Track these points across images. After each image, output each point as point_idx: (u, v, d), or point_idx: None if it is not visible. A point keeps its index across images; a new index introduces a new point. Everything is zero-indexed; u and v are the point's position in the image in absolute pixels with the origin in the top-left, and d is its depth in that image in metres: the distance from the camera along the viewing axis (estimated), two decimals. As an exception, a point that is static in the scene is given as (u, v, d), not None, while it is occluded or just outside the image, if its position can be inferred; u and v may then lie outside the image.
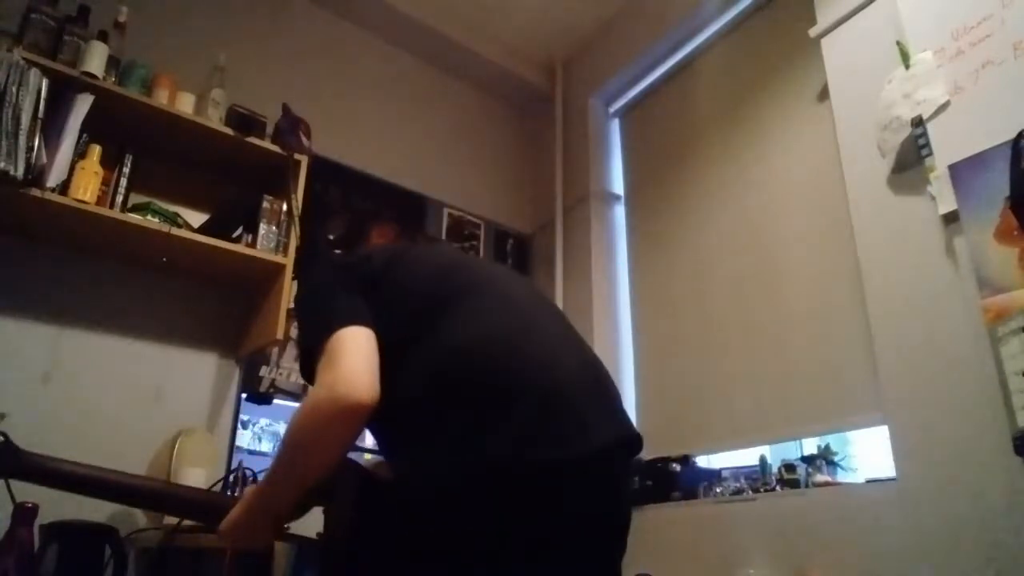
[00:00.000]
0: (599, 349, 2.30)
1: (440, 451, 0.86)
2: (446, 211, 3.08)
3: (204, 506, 1.11)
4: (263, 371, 2.38)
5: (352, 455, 1.07)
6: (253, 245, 2.16)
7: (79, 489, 1.11)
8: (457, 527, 0.84)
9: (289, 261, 2.19)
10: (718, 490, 2.20)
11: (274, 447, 2.16)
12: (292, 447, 0.93)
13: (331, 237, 1.36)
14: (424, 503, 0.86)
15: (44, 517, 1.57)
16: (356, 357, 0.91)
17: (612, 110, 3.29)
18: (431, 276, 1.05)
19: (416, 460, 0.90)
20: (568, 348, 1.01)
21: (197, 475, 1.73)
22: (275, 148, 2.27)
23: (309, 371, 0.97)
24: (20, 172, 1.71)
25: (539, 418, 0.87)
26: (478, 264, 1.19)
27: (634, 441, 1.00)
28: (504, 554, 0.84)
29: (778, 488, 2.03)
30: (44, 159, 1.80)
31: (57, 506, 1.64)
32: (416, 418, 0.91)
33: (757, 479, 2.12)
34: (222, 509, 1.05)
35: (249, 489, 1.05)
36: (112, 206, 1.95)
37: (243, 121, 2.22)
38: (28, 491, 1.62)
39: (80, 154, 1.89)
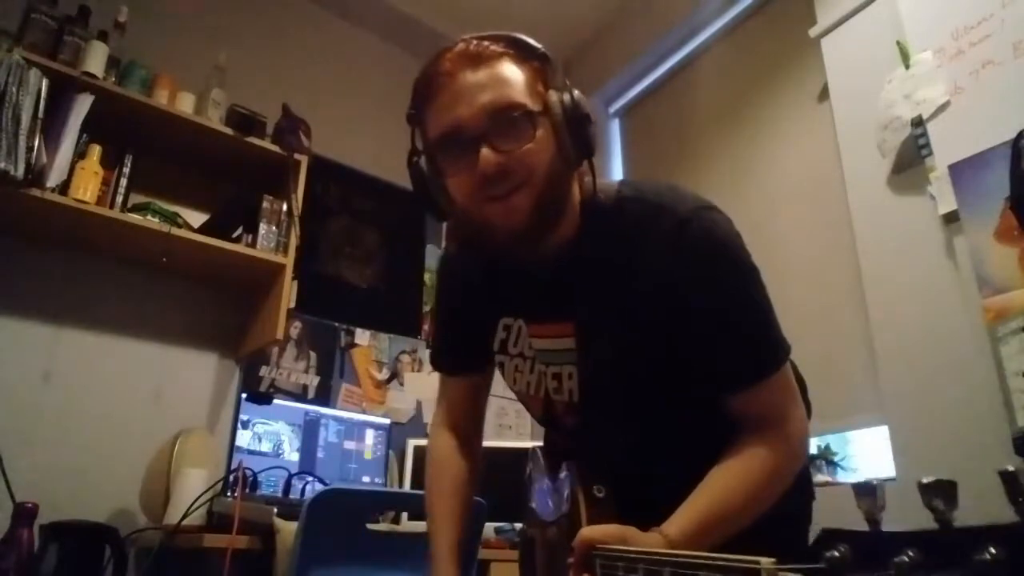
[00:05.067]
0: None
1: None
2: (446, 211, 3.07)
3: None
4: (263, 371, 2.38)
5: None
6: (253, 245, 2.16)
7: None
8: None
9: (289, 261, 2.19)
10: (718, 490, 2.20)
11: (275, 448, 2.16)
12: (774, 489, 0.78)
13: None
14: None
15: (44, 517, 1.57)
16: None
17: (612, 110, 3.29)
18: None
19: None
20: None
21: (197, 475, 1.73)
22: (275, 148, 2.27)
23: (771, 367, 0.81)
24: (20, 172, 1.71)
25: None
26: None
27: None
28: None
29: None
30: (44, 159, 1.80)
31: (57, 506, 1.64)
32: None
33: (757, 479, 2.12)
34: None
35: (639, 538, 0.70)
36: (112, 206, 1.95)
37: (243, 121, 2.22)
38: (28, 491, 1.62)
39: (80, 154, 1.89)
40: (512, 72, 0.80)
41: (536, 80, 0.82)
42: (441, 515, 1.00)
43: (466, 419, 1.09)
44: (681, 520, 0.72)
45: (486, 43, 0.82)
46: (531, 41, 0.85)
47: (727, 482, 0.76)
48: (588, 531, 0.68)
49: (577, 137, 0.80)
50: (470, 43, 0.82)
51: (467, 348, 1.03)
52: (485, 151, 0.76)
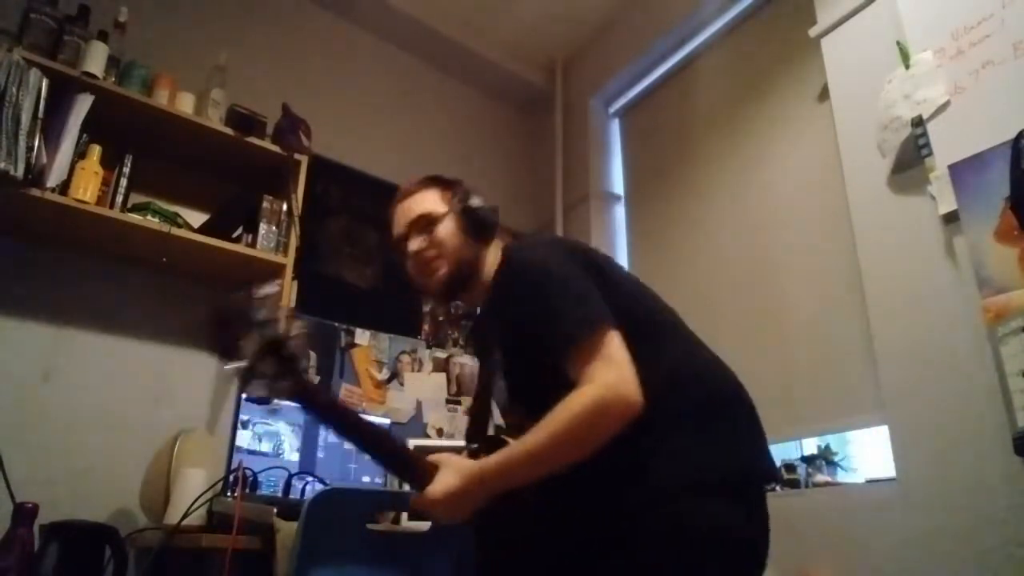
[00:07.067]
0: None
1: (703, 451, 0.98)
2: (446, 211, 3.08)
3: (405, 464, 1.06)
4: (263, 371, 2.38)
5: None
6: (253, 245, 2.16)
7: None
8: (718, 519, 0.95)
9: (289, 261, 2.19)
10: (718, 490, 2.20)
11: (275, 448, 2.16)
12: (565, 437, 0.93)
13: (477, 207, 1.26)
14: (688, 493, 0.95)
15: (44, 517, 1.57)
16: (629, 362, 0.95)
17: (612, 110, 3.29)
18: (645, 290, 1.17)
19: (674, 456, 0.96)
20: None
21: (197, 475, 1.73)
22: (275, 148, 2.27)
23: (563, 357, 0.97)
24: (20, 172, 1.71)
25: (761, 435, 1.07)
26: None
27: None
28: (746, 548, 0.97)
29: (778, 488, 2.03)
30: (44, 159, 1.80)
31: (57, 506, 1.64)
32: (664, 418, 0.96)
33: (757, 479, 2.12)
34: (419, 472, 1.02)
35: (464, 461, 1.02)
36: (112, 206, 1.95)
37: (243, 121, 2.21)
38: (28, 491, 1.62)
39: (80, 154, 1.89)
40: (424, 195, 1.26)
41: (444, 195, 1.26)
42: None
43: None
44: (498, 453, 0.99)
45: (411, 183, 1.29)
46: (441, 176, 1.30)
47: (535, 427, 0.97)
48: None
49: (472, 223, 1.22)
50: (403, 187, 1.30)
51: None
52: (410, 242, 1.23)
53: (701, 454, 0.97)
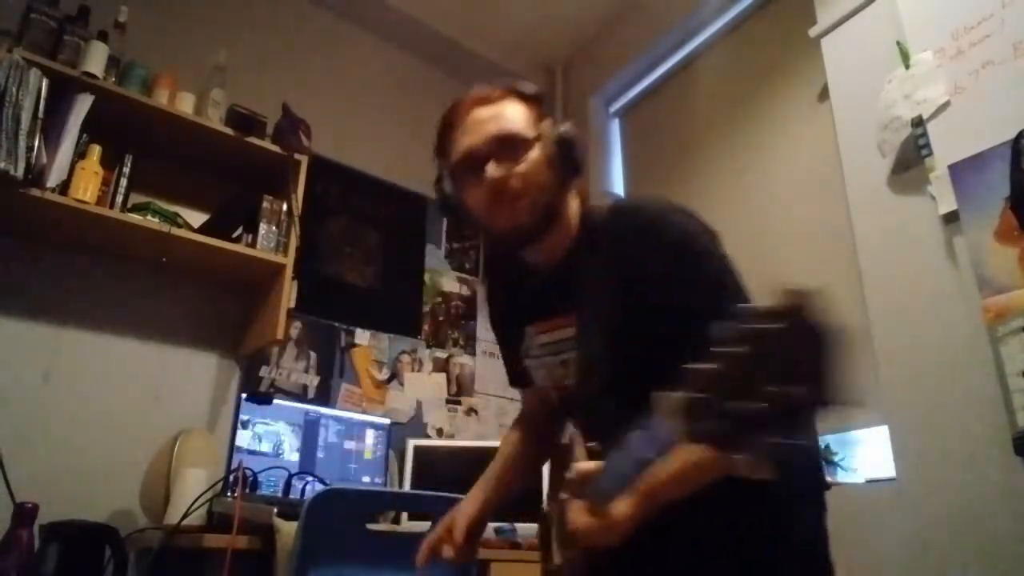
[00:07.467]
0: (599, 349, 2.29)
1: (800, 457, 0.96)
2: (446, 211, 3.07)
3: None
4: (263, 371, 2.38)
5: None
6: (253, 245, 2.16)
7: None
8: (813, 526, 1.00)
9: (289, 261, 2.19)
10: (718, 490, 2.20)
11: (275, 448, 2.16)
12: None
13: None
14: (796, 500, 0.97)
15: (44, 517, 1.57)
16: None
17: (612, 110, 3.29)
18: None
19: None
20: None
21: (197, 475, 1.73)
22: (275, 148, 2.27)
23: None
24: (20, 172, 1.71)
25: None
26: None
27: None
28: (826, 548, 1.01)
29: (778, 488, 2.02)
30: (44, 159, 1.80)
31: (57, 506, 1.64)
32: None
33: (757, 479, 2.11)
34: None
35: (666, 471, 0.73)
36: (112, 206, 1.95)
37: (243, 121, 2.22)
38: (28, 491, 1.62)
39: (80, 154, 1.89)
40: (512, 109, 1.01)
41: (532, 115, 1.01)
42: (492, 465, 1.17)
43: (541, 418, 1.22)
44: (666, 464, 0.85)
45: (492, 89, 1.03)
46: (529, 86, 1.05)
47: None
48: (581, 464, 0.78)
49: (565, 158, 0.98)
50: (481, 89, 1.04)
51: (517, 363, 1.14)
52: (490, 166, 0.96)
53: (799, 461, 0.98)
